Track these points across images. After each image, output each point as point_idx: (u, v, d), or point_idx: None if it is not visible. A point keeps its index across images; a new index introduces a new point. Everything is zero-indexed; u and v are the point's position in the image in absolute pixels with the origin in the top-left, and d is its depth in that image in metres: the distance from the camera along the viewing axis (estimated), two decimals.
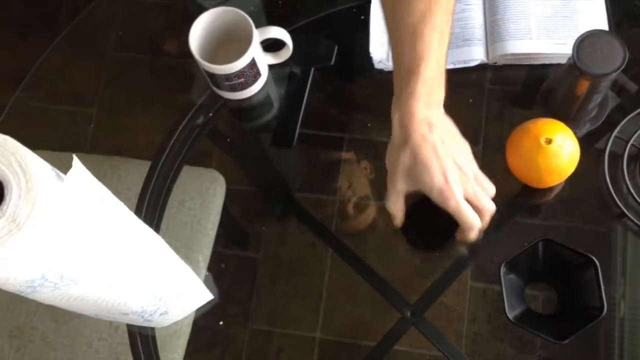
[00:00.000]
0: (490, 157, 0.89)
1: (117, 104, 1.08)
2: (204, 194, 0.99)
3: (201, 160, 1.01)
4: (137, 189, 0.97)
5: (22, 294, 0.59)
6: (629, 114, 0.87)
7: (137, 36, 1.13)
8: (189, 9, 1.15)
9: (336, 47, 0.94)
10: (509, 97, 0.95)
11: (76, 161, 0.57)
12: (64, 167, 0.58)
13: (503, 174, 0.85)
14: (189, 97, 1.01)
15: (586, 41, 0.77)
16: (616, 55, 0.76)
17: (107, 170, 1.07)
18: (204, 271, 0.94)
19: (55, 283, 0.59)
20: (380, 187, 0.89)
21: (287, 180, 1.01)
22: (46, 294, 0.61)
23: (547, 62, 0.89)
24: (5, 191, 0.53)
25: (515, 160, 0.83)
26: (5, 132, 0.56)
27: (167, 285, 0.77)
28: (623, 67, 0.76)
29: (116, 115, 1.07)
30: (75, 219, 0.57)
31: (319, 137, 1.00)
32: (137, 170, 1.02)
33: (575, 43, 0.77)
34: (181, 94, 1.04)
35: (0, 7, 1.84)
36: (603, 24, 0.88)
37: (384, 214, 0.83)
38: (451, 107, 0.93)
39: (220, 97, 0.95)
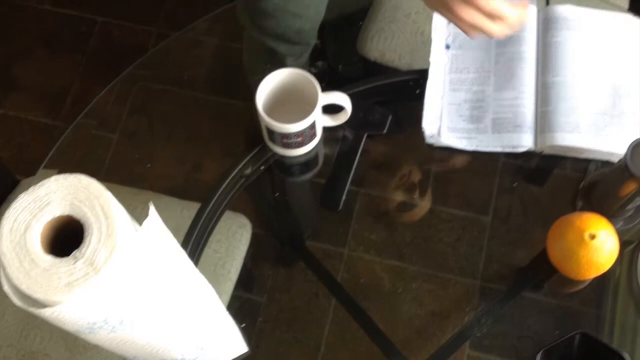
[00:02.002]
0: (532, 242, 0.92)
1: (139, 132, 1.10)
2: (231, 238, 1.01)
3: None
4: (167, 226, 0.98)
5: (78, 334, 0.60)
6: None
7: (169, 67, 1.16)
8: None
9: (390, 116, 0.98)
10: (551, 185, 0.98)
11: (152, 210, 0.59)
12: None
13: (507, 269, 0.88)
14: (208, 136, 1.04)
15: (639, 147, 0.81)
16: None
17: (138, 204, 1.08)
18: None
19: (113, 326, 0.60)
20: (388, 245, 0.92)
21: (299, 228, 1.03)
22: (101, 336, 0.62)
23: (591, 157, 0.93)
24: (86, 233, 0.55)
25: (557, 250, 0.86)
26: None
27: (210, 335, 0.78)
28: None
29: (137, 144, 1.09)
30: (146, 267, 0.59)
31: None
32: (168, 208, 1.04)
33: (630, 146, 0.81)
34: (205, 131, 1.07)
35: (35, 22, 1.87)
36: None
37: (391, 271, 0.85)
38: (444, 217, 0.97)
39: (270, 150, 0.97)
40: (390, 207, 1.00)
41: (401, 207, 1.00)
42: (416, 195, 1.00)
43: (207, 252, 0.99)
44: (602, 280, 0.89)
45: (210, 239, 0.99)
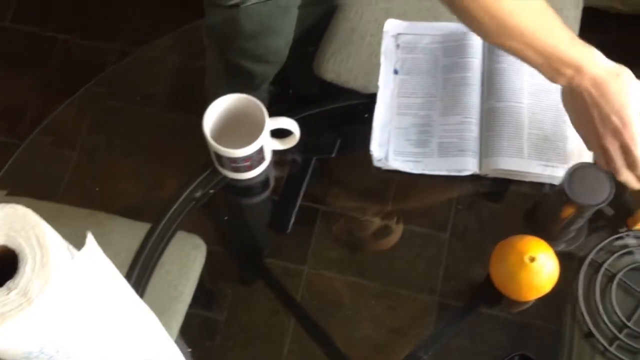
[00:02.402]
0: (474, 263, 0.94)
1: (99, 151, 1.10)
2: (185, 259, 1.00)
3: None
4: (118, 247, 0.98)
5: None
6: (606, 238, 0.93)
7: (128, 85, 1.16)
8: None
9: (339, 141, 0.99)
10: (495, 208, 1.00)
11: (90, 238, 0.59)
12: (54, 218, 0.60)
13: (484, 282, 0.90)
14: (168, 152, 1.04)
15: (577, 172, 0.83)
16: (603, 189, 0.83)
17: (90, 226, 1.07)
18: (175, 339, 0.95)
19: (50, 356, 0.60)
20: (348, 262, 0.93)
21: (259, 245, 1.04)
22: None
23: (535, 180, 0.95)
24: (20, 264, 0.55)
25: (498, 272, 0.88)
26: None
27: None
28: (609, 200, 0.82)
29: (96, 162, 1.09)
30: (82, 295, 0.59)
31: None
32: (121, 229, 1.03)
33: (567, 172, 0.83)
34: (164, 150, 1.07)
35: None
36: (590, 153, 0.95)
37: (351, 288, 0.86)
38: (439, 212, 0.99)
39: (220, 173, 0.98)
40: (351, 225, 1.01)
41: (364, 226, 1.01)
42: (380, 212, 1.01)
43: (160, 273, 0.99)
44: (561, 295, 0.91)
45: (163, 260, 0.99)
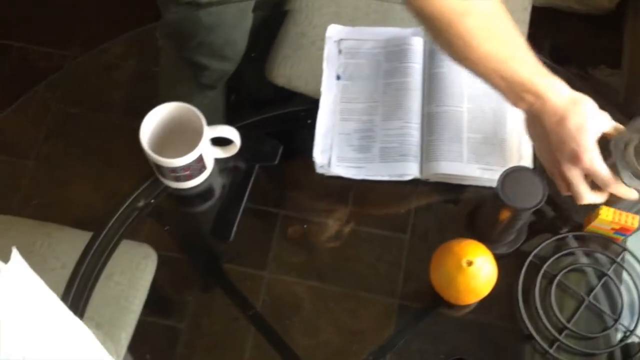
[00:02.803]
0: (416, 268, 0.95)
1: (54, 158, 1.09)
2: (134, 269, 1.00)
3: (133, 229, 1.01)
4: (66, 259, 0.97)
5: None
6: (546, 239, 0.94)
7: (83, 92, 1.15)
8: None
9: (281, 148, 0.99)
10: (437, 212, 1.01)
11: (15, 254, 0.59)
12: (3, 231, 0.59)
13: (425, 286, 0.90)
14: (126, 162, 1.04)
15: (510, 176, 0.84)
16: (536, 192, 0.83)
17: (39, 237, 1.07)
18: (124, 349, 0.94)
19: None
20: (309, 266, 0.93)
21: (217, 251, 1.03)
22: None
23: (475, 184, 0.96)
24: None
25: (437, 277, 0.88)
26: None
27: None
28: (542, 203, 0.83)
29: (52, 169, 1.08)
30: (8, 310, 0.58)
31: (256, 211, 1.02)
32: (70, 240, 1.03)
33: (500, 176, 0.84)
34: (121, 157, 1.05)
35: None
36: (528, 156, 0.96)
37: (311, 292, 0.86)
38: (382, 217, 0.99)
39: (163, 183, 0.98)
40: (311, 229, 1.01)
41: (322, 229, 1.00)
42: (336, 216, 1.01)
43: (110, 284, 0.98)
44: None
45: (112, 270, 0.98)
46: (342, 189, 1.00)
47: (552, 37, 1.76)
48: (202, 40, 1.14)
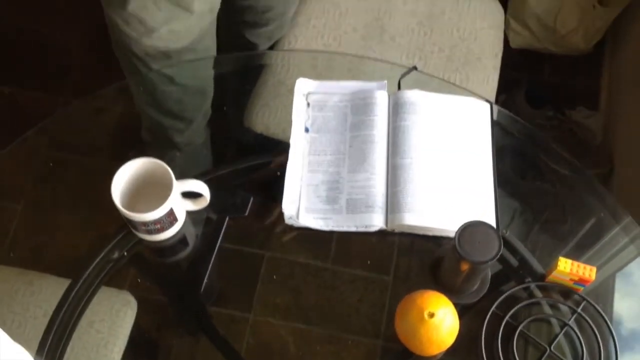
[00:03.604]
0: (385, 319, 0.97)
1: (43, 202, 1.11)
2: (114, 316, 1.02)
3: (113, 276, 1.03)
4: (48, 307, 1.00)
5: None
6: (509, 289, 0.96)
7: (72, 136, 1.18)
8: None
9: (251, 199, 1.02)
10: (402, 263, 1.03)
11: None
12: None
13: (392, 336, 0.92)
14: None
15: (467, 230, 0.86)
16: (492, 245, 0.86)
17: (21, 286, 1.09)
18: None
19: None
20: (294, 308, 0.94)
21: (201, 295, 1.05)
22: None
23: (439, 234, 0.98)
24: None
25: (402, 328, 0.90)
26: None
27: None
28: (498, 256, 0.85)
29: (40, 213, 1.10)
30: None
31: (237, 252, 1.04)
32: (52, 288, 1.05)
33: (457, 231, 0.86)
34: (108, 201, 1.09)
35: None
36: (490, 209, 0.98)
37: (296, 334, 0.86)
38: (347, 278, 1.01)
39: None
40: (295, 270, 1.03)
41: (306, 269, 1.03)
42: (319, 258, 1.03)
43: (90, 331, 1.00)
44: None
45: (93, 318, 1.00)
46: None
47: (529, 78, 1.79)
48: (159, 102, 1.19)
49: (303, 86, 1.08)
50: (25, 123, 1.84)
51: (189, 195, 0.99)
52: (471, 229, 0.86)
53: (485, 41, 1.37)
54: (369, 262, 1.02)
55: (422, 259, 1.01)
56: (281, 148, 1.07)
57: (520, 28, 1.81)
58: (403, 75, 1.08)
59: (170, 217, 0.95)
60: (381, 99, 1.05)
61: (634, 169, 1.57)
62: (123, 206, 0.93)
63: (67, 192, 1.12)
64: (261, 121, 1.30)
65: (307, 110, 1.07)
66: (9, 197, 1.11)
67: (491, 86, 1.34)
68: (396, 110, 1.04)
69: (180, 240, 1.02)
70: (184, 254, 1.03)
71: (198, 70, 1.23)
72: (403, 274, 1.03)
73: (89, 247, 1.07)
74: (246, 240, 1.04)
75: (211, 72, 1.27)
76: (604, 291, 1.00)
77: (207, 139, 1.34)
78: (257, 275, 1.02)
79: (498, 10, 1.42)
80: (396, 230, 0.99)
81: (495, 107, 1.08)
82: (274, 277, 1.02)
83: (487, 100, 1.06)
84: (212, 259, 1.00)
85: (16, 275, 1.09)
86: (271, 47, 1.40)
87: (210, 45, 1.25)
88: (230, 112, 1.32)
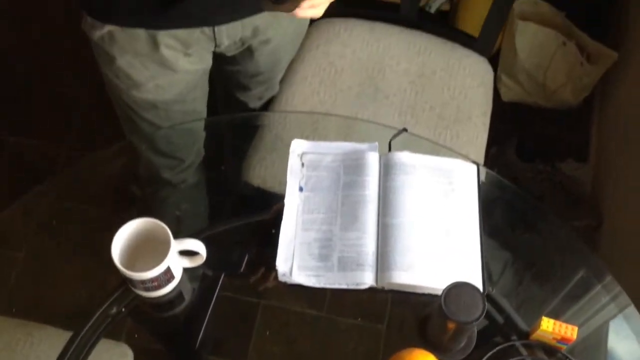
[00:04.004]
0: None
1: (45, 251, 1.14)
2: None
3: (112, 328, 1.05)
4: (47, 359, 1.02)
5: None
6: (495, 346, 0.99)
7: (75, 187, 1.22)
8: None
9: (246, 257, 1.05)
10: (396, 313, 1.06)
11: None
12: None
13: None
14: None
15: (452, 291, 0.90)
16: (477, 306, 0.89)
17: (21, 337, 1.12)
18: None
19: None
20: (289, 356, 0.97)
21: (198, 345, 1.08)
22: None
23: (427, 292, 1.02)
24: None
25: None
26: None
27: None
28: (482, 317, 0.88)
29: (42, 262, 1.13)
30: None
31: (233, 300, 1.07)
32: (51, 339, 1.08)
33: (444, 290, 0.90)
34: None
35: None
36: (477, 269, 1.02)
37: None
38: (342, 327, 1.04)
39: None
40: (291, 318, 1.06)
41: (301, 318, 1.06)
42: (314, 306, 1.06)
43: None
44: None
45: None
46: None
47: (520, 131, 1.84)
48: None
49: (298, 147, 1.13)
50: (27, 171, 1.90)
51: (186, 252, 1.03)
52: (457, 289, 0.90)
53: (475, 100, 1.42)
54: (363, 311, 1.05)
55: (415, 310, 1.04)
56: (276, 201, 1.12)
57: (512, 83, 1.87)
58: (394, 137, 1.12)
59: (167, 274, 0.99)
60: (372, 160, 1.09)
61: (622, 221, 1.61)
62: (122, 264, 0.96)
63: (68, 241, 1.15)
64: (258, 174, 1.34)
65: (301, 170, 1.11)
66: (10, 245, 1.15)
67: (480, 144, 1.39)
68: (387, 171, 1.08)
69: (176, 296, 1.05)
70: (180, 308, 1.07)
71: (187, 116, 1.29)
72: (397, 323, 1.05)
73: (89, 297, 1.10)
74: (241, 290, 1.08)
75: (202, 114, 1.33)
76: (590, 347, 1.03)
77: (202, 181, 1.39)
78: (252, 324, 1.05)
79: (487, 70, 1.47)
80: (386, 288, 1.02)
81: (483, 169, 1.12)
82: (270, 325, 1.05)
83: (475, 162, 1.10)
84: (208, 314, 1.03)
85: (16, 327, 1.12)
86: (269, 102, 1.45)
87: (199, 96, 1.30)
88: (228, 166, 1.37)
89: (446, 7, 2.00)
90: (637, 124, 1.62)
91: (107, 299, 1.06)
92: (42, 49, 2.12)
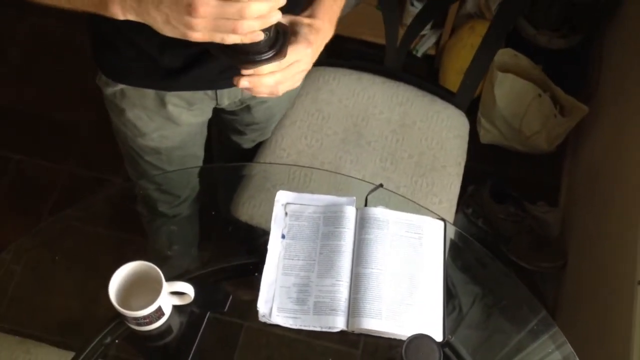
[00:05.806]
0: None
1: (42, 264, 1.24)
2: None
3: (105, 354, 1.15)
4: None
5: None
6: None
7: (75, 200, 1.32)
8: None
9: (231, 296, 1.16)
10: (368, 345, 1.15)
11: None
12: None
13: None
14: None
15: (413, 342, 1.00)
16: (434, 356, 1.00)
17: (20, 354, 1.22)
18: None
19: None
20: None
21: None
22: None
23: (394, 337, 1.12)
24: None
25: None
26: None
27: None
28: None
29: (39, 275, 1.23)
30: None
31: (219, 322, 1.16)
32: (47, 357, 1.18)
33: (405, 342, 1.00)
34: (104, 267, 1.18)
35: None
36: (438, 319, 1.12)
37: None
38: (318, 349, 1.14)
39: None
40: (272, 341, 1.15)
41: (280, 340, 1.15)
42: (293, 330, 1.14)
43: None
44: None
45: None
46: None
47: (496, 172, 1.95)
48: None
49: (283, 197, 1.23)
50: (29, 188, 1.99)
51: (175, 292, 1.13)
52: (417, 341, 1.00)
53: (450, 150, 1.53)
54: (339, 336, 1.13)
55: (388, 340, 1.13)
56: (261, 236, 1.22)
57: (490, 126, 1.97)
58: (370, 192, 1.23)
59: (158, 312, 1.09)
60: (350, 213, 1.20)
61: (585, 263, 1.72)
62: (118, 301, 1.06)
63: (65, 256, 1.24)
64: (246, 212, 1.45)
65: (284, 219, 1.21)
66: (9, 257, 1.23)
67: (454, 192, 1.50)
68: (362, 224, 1.19)
69: (166, 330, 1.15)
70: (169, 339, 1.17)
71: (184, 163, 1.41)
72: (371, 348, 1.16)
73: (82, 309, 1.20)
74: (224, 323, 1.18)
75: (201, 156, 1.44)
76: None
77: (195, 213, 1.50)
78: (236, 344, 1.15)
79: (464, 123, 1.58)
80: (355, 332, 1.13)
81: (451, 228, 1.23)
82: (250, 346, 1.14)
83: (441, 219, 1.21)
84: (192, 351, 1.13)
85: (14, 344, 1.22)
86: (259, 144, 1.56)
87: (199, 142, 1.42)
88: (219, 203, 1.48)
89: (432, 52, 2.12)
90: (605, 173, 1.73)
91: (102, 330, 1.16)
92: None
